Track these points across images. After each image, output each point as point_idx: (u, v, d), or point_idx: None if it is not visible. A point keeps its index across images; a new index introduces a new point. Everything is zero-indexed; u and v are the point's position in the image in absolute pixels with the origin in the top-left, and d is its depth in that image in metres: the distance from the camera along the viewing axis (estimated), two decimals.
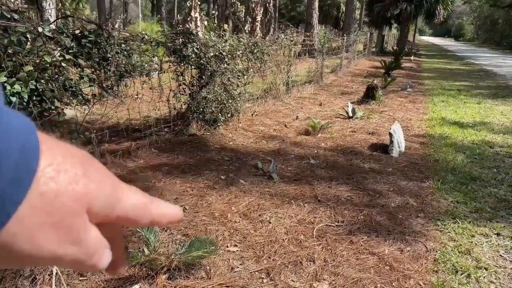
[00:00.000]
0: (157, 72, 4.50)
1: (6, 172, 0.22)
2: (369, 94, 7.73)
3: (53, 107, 2.82)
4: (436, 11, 21.41)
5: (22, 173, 0.23)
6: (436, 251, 2.65)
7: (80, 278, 2.21)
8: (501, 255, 2.65)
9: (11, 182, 0.22)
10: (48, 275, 2.13)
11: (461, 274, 2.41)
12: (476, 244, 2.77)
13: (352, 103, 6.96)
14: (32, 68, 2.50)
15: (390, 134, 4.63)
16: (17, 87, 2.34)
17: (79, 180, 0.26)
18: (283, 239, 2.70)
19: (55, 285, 2.06)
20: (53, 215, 0.24)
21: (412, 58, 18.94)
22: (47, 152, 0.25)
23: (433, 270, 2.44)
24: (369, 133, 5.53)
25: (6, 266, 0.26)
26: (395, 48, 18.93)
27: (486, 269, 2.48)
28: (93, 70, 3.45)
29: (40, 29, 2.65)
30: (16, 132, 0.23)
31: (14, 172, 0.22)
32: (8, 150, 0.22)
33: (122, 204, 0.28)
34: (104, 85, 3.52)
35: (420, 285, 2.29)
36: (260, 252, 2.54)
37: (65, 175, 0.25)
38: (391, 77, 10.24)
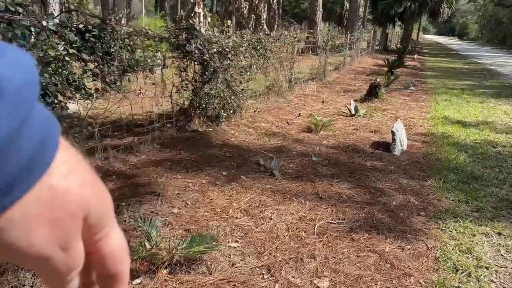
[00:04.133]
0: (160, 67, 4.50)
1: (23, 158, 0.22)
2: (372, 92, 7.71)
3: (56, 101, 2.83)
4: (440, 10, 21.36)
5: (37, 163, 0.23)
6: (437, 250, 2.65)
7: None
8: (502, 255, 2.66)
9: (24, 168, 0.22)
10: None
11: (462, 273, 2.41)
12: (477, 243, 2.78)
13: (354, 100, 6.95)
14: (36, 61, 2.50)
15: (393, 132, 4.62)
16: None
17: (88, 185, 0.26)
18: (284, 236, 2.71)
19: None
20: (54, 211, 0.24)
21: (415, 56, 18.88)
22: (64, 151, 0.25)
23: (434, 269, 2.45)
24: (372, 131, 5.52)
25: None
26: (398, 46, 18.87)
27: (486, 268, 2.48)
28: (96, 64, 3.45)
29: (44, 23, 2.66)
30: (42, 121, 0.24)
31: (30, 160, 0.22)
32: (33, 137, 0.22)
33: (109, 234, 0.29)
34: (107, 80, 3.53)
35: (421, 284, 2.29)
36: (261, 248, 2.54)
37: (77, 176, 0.25)
38: (394, 75, 10.21)
